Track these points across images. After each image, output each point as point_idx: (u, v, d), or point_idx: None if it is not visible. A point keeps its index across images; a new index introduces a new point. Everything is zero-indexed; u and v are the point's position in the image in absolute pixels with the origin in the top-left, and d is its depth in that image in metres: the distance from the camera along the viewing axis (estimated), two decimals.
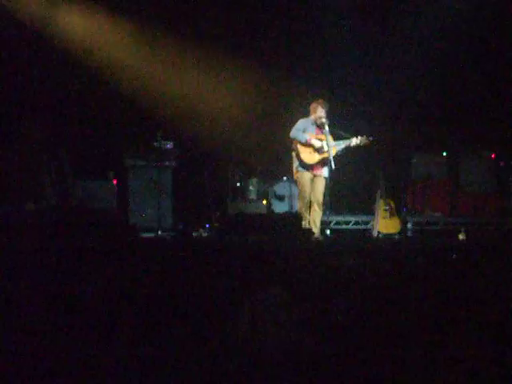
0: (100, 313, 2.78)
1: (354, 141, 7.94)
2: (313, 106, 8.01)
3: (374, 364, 2.25)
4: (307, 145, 7.87)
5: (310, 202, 7.96)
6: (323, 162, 7.89)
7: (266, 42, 10.12)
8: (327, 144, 7.75)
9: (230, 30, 9.93)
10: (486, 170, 10.02)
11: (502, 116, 10.01)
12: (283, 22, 10.11)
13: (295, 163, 8.04)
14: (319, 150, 7.85)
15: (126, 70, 9.78)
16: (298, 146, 7.91)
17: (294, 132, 7.91)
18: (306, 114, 8.11)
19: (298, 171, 8.01)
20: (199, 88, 10.18)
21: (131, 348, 2.37)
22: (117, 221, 7.69)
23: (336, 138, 7.98)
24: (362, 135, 7.95)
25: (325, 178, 7.96)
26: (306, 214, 7.91)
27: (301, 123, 7.98)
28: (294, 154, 8.04)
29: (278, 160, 9.67)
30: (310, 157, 7.89)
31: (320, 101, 7.99)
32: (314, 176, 7.94)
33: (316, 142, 7.84)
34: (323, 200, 8.01)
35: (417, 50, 10.04)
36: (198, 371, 2.24)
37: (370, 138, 7.95)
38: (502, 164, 9.94)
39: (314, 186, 7.94)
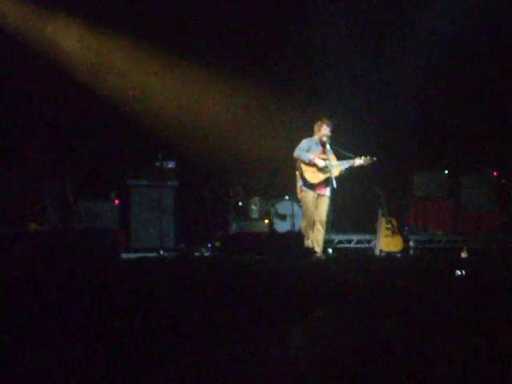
0: (102, 336, 2.77)
1: (358, 161, 7.93)
2: (317, 124, 8.02)
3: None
4: (311, 164, 7.87)
5: (314, 220, 7.95)
6: (327, 182, 7.86)
7: (269, 61, 10.17)
8: (330, 163, 7.76)
9: (232, 48, 9.98)
10: (487, 187, 9.99)
11: (503, 133, 10.02)
12: (285, 40, 10.17)
13: (299, 182, 8.04)
14: (323, 170, 7.85)
15: (128, 90, 9.83)
16: (302, 166, 7.92)
17: (298, 151, 7.92)
18: (308, 133, 8.12)
19: (302, 190, 8.01)
20: (201, 107, 10.22)
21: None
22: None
23: (339, 157, 7.98)
24: (365, 155, 7.95)
25: (328, 197, 7.96)
26: (309, 233, 7.90)
27: (305, 143, 7.99)
28: (297, 173, 8.05)
29: (280, 179, 9.67)
30: (313, 176, 7.89)
31: (324, 119, 8.01)
32: (318, 195, 7.93)
33: (319, 162, 7.84)
34: (327, 219, 8.00)
35: (418, 69, 10.08)
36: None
37: (374, 159, 7.94)
38: (503, 181, 9.92)
39: (318, 205, 7.93)
